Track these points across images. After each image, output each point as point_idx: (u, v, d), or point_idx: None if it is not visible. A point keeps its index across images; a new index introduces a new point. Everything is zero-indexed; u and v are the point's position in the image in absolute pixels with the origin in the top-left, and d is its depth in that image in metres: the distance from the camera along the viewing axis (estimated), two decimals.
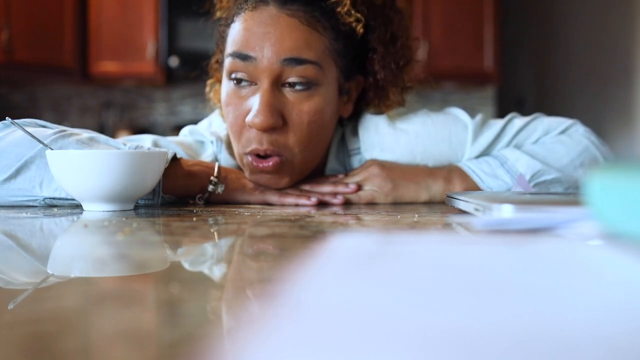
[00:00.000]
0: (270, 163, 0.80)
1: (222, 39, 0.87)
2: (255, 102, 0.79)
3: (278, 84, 0.80)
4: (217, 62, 0.94)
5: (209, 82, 0.98)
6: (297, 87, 0.80)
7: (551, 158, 0.87)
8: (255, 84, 0.80)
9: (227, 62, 0.81)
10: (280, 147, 0.80)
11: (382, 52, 0.86)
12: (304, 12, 0.80)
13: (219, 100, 0.96)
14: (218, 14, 0.92)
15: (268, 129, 0.78)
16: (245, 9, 0.81)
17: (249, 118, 0.79)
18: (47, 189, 0.75)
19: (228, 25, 0.84)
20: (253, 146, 0.80)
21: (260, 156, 0.81)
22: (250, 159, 0.81)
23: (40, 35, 3.25)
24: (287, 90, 0.80)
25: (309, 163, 0.85)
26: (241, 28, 0.81)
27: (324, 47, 0.81)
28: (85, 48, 3.42)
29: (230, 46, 0.82)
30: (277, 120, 0.78)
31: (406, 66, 0.91)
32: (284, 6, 0.80)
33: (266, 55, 0.78)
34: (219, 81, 0.94)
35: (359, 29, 0.83)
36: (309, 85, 0.80)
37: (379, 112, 0.92)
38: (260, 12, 0.80)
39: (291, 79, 0.79)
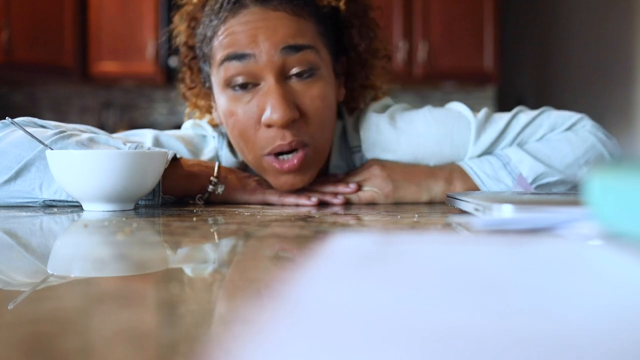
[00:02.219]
0: (295, 161, 0.79)
1: (204, 57, 0.84)
2: (266, 100, 0.77)
3: (282, 77, 0.78)
4: (189, 88, 0.93)
5: (186, 111, 0.97)
6: (302, 76, 0.79)
7: (555, 157, 0.85)
8: (258, 84, 0.79)
9: (222, 70, 0.79)
10: (304, 136, 0.79)
11: (359, 25, 0.88)
12: (287, 4, 0.79)
13: (207, 111, 0.95)
14: (178, 39, 0.92)
15: (289, 122, 0.77)
16: (226, 18, 0.79)
17: (266, 116, 0.77)
18: (46, 191, 0.75)
19: (209, 42, 0.82)
20: (277, 143, 0.78)
21: (281, 155, 0.79)
22: (270, 161, 0.79)
23: (40, 35, 3.25)
24: (293, 82, 0.79)
25: (326, 152, 0.85)
26: (228, 33, 0.79)
27: (313, 32, 0.81)
28: (85, 48, 3.42)
29: (221, 54, 0.79)
30: (295, 111, 0.77)
31: (377, 35, 0.93)
32: (266, 2, 0.79)
33: (264, 49, 0.77)
34: (197, 107, 0.94)
35: (342, 5, 0.85)
36: (311, 71, 0.79)
37: (373, 88, 0.94)
38: (243, 14, 0.79)
39: (294, 70, 0.78)
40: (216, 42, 0.80)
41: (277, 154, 0.79)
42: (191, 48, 0.89)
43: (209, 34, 0.82)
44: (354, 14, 0.87)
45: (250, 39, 0.77)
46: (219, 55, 0.80)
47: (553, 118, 0.90)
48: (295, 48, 0.78)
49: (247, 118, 0.79)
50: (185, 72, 0.93)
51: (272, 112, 0.76)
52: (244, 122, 0.79)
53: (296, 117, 0.78)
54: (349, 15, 0.87)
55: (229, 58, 0.78)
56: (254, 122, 0.79)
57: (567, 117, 0.90)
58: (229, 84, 0.80)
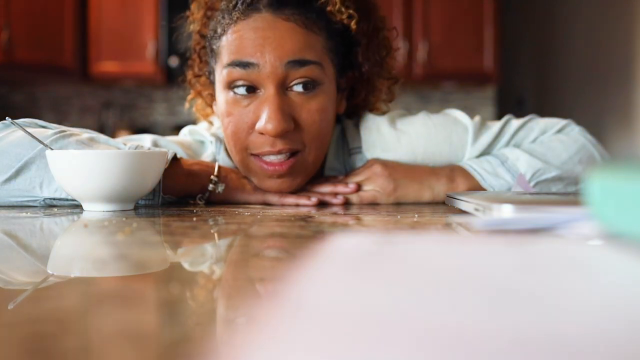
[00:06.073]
0: (285, 166, 0.80)
1: (212, 52, 0.85)
2: (263, 109, 0.78)
3: (283, 87, 0.79)
4: (195, 76, 0.94)
5: (189, 98, 0.98)
6: (302, 89, 0.79)
7: (550, 155, 0.87)
8: (258, 91, 0.79)
9: (225, 72, 0.80)
10: (297, 144, 0.80)
11: (365, 45, 0.88)
12: (299, 15, 0.79)
13: (205, 116, 0.97)
14: (191, 27, 0.92)
15: (282, 133, 0.77)
16: (237, 19, 0.80)
17: (260, 125, 0.78)
18: (47, 189, 0.75)
19: (218, 38, 0.83)
20: (266, 149, 0.79)
21: (269, 156, 0.80)
22: (257, 161, 0.80)
23: (40, 35, 3.25)
24: (292, 94, 0.79)
25: (318, 162, 0.85)
26: (236, 37, 0.79)
27: (321, 46, 0.81)
28: (85, 48, 3.42)
29: (226, 57, 0.80)
30: (289, 123, 0.78)
31: (387, 56, 0.92)
32: (278, 10, 0.79)
33: (269, 60, 0.77)
34: (200, 95, 0.95)
35: (353, 25, 0.84)
36: (313, 85, 0.80)
37: (370, 106, 0.93)
38: (254, 19, 0.79)
39: (296, 82, 0.79)
40: (224, 41, 0.81)
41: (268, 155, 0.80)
42: (203, 37, 0.90)
43: (219, 30, 0.83)
44: (363, 33, 0.87)
45: (256, 49, 0.78)
46: (224, 57, 0.81)
47: (542, 123, 0.93)
48: (301, 62, 0.78)
49: (242, 122, 0.80)
50: (194, 60, 0.93)
51: (267, 121, 0.77)
52: (238, 124, 0.80)
53: (290, 129, 0.78)
54: (357, 33, 0.86)
55: (233, 64, 0.79)
56: (247, 127, 0.80)
57: (555, 122, 0.94)
58: (229, 86, 0.80)
